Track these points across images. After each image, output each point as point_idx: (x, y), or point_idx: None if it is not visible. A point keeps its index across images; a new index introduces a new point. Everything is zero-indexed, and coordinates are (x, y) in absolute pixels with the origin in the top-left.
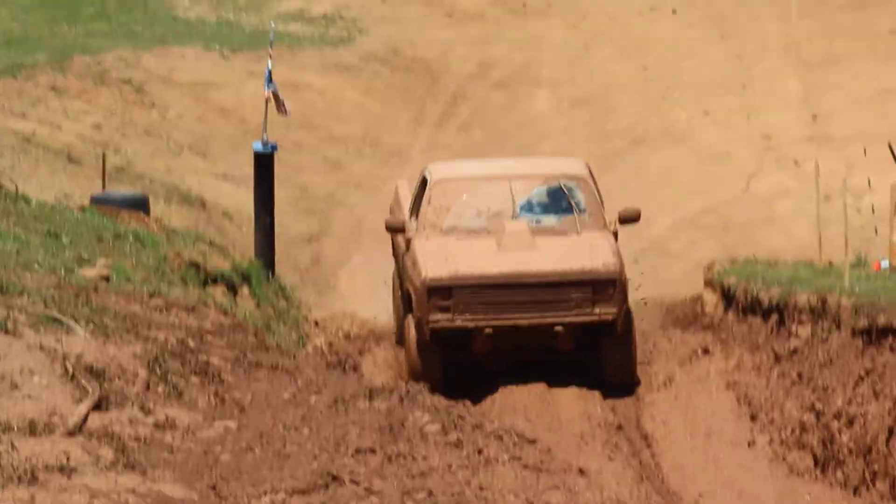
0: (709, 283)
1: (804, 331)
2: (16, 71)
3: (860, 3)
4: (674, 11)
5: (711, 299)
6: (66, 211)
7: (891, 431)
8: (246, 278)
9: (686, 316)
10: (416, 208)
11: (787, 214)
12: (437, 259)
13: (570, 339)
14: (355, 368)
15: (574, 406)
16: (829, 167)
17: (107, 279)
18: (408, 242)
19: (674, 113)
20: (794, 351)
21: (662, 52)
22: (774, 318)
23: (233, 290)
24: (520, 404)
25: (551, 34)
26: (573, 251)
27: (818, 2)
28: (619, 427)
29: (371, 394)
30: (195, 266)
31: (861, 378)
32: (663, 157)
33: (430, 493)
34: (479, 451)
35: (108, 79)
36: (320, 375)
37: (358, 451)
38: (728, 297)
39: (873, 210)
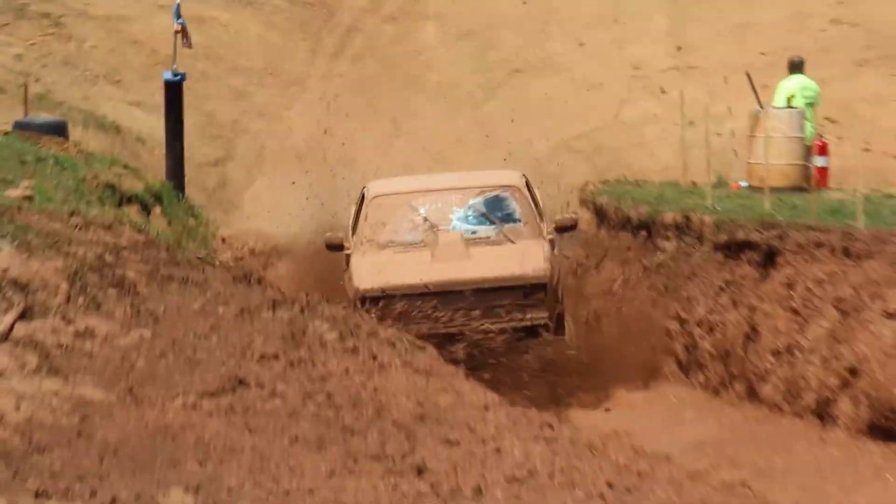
0: (583, 203)
1: (670, 246)
2: None
3: None
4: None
5: (586, 217)
6: None
7: (747, 337)
8: (158, 199)
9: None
10: (354, 225)
11: (654, 139)
12: (371, 271)
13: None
14: (259, 281)
15: None
16: (692, 95)
17: (30, 199)
18: (347, 258)
19: (551, 45)
20: (661, 265)
21: None
22: (643, 234)
23: (146, 209)
24: None
25: None
26: (505, 259)
27: None
28: None
29: (274, 304)
30: (111, 187)
31: (721, 289)
32: (541, 85)
33: (329, 395)
34: (374, 357)
35: (28, 13)
36: (227, 288)
37: (262, 357)
38: (601, 215)
39: (733, 134)
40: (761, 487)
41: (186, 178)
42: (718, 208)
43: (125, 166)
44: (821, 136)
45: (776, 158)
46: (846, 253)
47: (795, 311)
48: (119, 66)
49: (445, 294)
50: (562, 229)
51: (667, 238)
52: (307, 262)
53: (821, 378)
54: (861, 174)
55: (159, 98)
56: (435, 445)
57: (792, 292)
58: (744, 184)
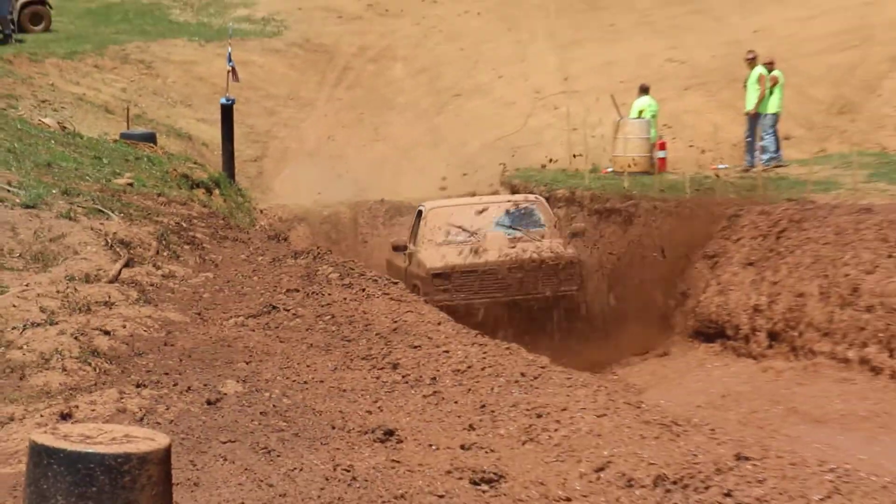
0: (502, 183)
1: (561, 212)
2: (72, 55)
3: (592, 5)
4: (479, 13)
5: (503, 192)
6: (105, 143)
7: (614, 270)
8: (217, 184)
9: None
10: (413, 235)
11: (550, 140)
12: (437, 257)
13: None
14: (286, 239)
15: None
16: (575, 110)
17: (131, 185)
18: (410, 256)
19: (479, 77)
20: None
21: (472, 38)
22: None
23: (209, 192)
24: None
25: (404, 28)
26: (540, 247)
27: (566, 5)
28: None
29: (296, 255)
30: (185, 177)
31: (595, 243)
32: (473, 105)
33: (333, 315)
34: (363, 290)
35: (130, 59)
36: (264, 244)
37: (288, 290)
38: (514, 192)
39: (602, 137)
40: (624, 372)
41: (235, 170)
42: (593, 186)
43: (195, 162)
44: (661, 137)
45: (631, 152)
46: (678, 215)
47: (644, 256)
48: (190, 94)
49: (495, 271)
50: (573, 235)
51: (559, 206)
52: (317, 226)
53: (662, 299)
54: (687, 162)
55: (217, 116)
56: (404, 349)
57: (643, 242)
58: (610, 170)
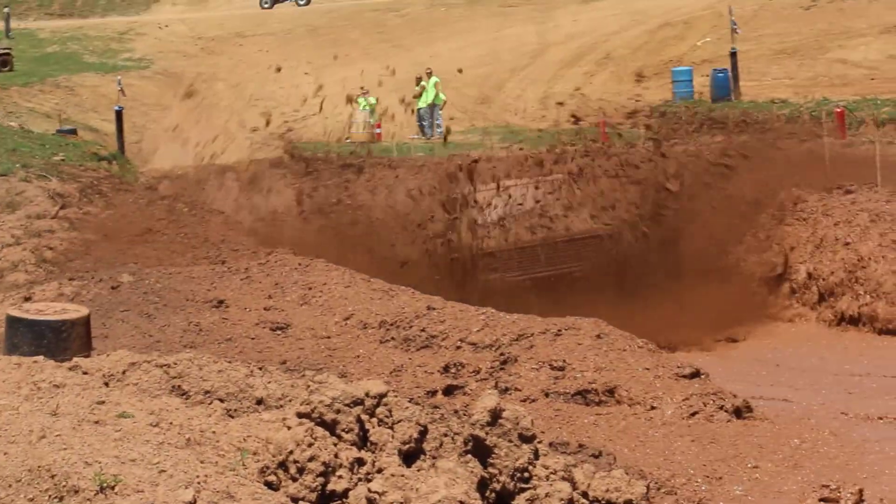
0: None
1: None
2: (27, 84)
3: (334, 41)
4: (267, 51)
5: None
6: (47, 136)
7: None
8: (114, 158)
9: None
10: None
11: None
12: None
13: None
14: (155, 189)
15: None
16: (327, 107)
17: (63, 160)
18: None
19: (270, 87)
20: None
21: (263, 66)
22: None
23: (109, 162)
24: None
25: (222, 61)
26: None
27: (318, 44)
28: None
29: (163, 197)
30: (95, 154)
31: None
32: (266, 104)
33: (187, 234)
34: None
35: (61, 86)
36: (142, 191)
37: (159, 219)
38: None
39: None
40: None
41: (125, 149)
42: (342, 149)
43: (100, 145)
44: (380, 120)
45: (358, 131)
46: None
47: (374, 192)
48: (97, 105)
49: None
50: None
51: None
52: (175, 180)
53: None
54: (391, 135)
55: (113, 117)
56: (229, 252)
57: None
58: (349, 139)
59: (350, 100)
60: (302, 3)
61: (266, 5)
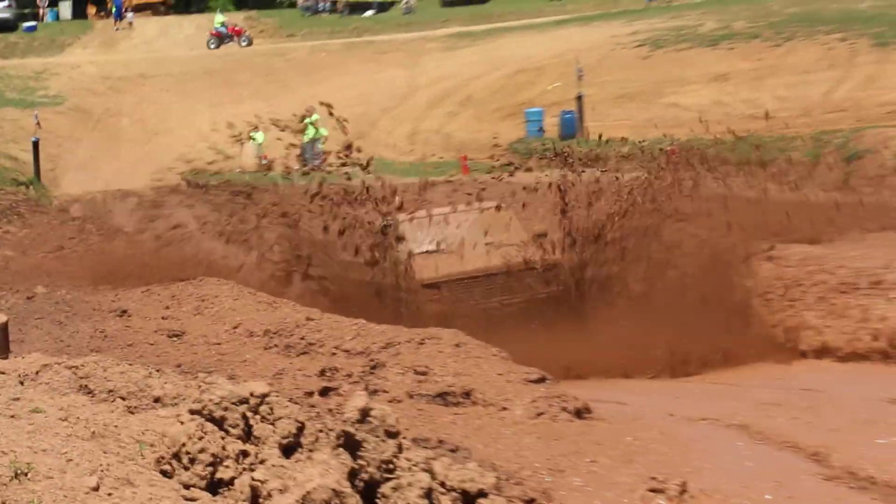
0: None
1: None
2: None
3: (228, 82)
4: (168, 90)
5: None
6: None
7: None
8: (31, 183)
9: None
10: None
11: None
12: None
13: None
14: (67, 211)
15: None
16: (222, 139)
17: None
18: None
19: (170, 122)
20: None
21: (164, 103)
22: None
23: (27, 187)
24: None
25: (126, 98)
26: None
27: (214, 85)
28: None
29: (73, 218)
30: (14, 179)
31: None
32: (168, 139)
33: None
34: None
35: None
36: (56, 212)
37: (70, 238)
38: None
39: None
40: None
41: (41, 175)
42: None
43: (20, 172)
44: (266, 151)
45: (249, 160)
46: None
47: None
48: (17, 136)
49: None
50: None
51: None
52: (85, 203)
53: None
54: (280, 166)
55: (30, 148)
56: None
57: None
58: (238, 170)
59: (238, 137)
60: (244, 44)
61: (213, 46)
